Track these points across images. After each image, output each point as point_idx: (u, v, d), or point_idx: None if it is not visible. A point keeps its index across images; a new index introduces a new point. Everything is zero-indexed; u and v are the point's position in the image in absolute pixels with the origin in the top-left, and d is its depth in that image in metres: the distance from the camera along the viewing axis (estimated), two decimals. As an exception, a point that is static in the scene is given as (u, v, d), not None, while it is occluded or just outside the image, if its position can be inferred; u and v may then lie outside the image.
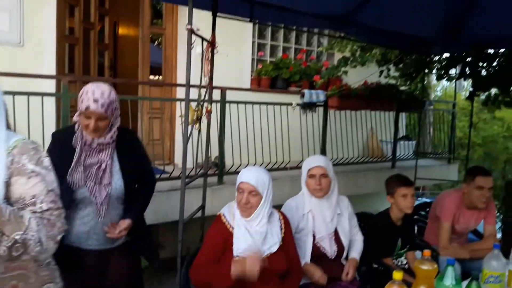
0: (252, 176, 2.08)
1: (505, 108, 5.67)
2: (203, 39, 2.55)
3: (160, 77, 5.51)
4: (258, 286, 2.01)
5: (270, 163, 4.54)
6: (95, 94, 1.87)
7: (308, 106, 4.73)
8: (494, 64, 4.67)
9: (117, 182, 2.01)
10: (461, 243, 3.04)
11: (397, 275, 1.48)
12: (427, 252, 1.86)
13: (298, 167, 4.66)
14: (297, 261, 2.23)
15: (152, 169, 2.33)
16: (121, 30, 7.47)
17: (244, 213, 2.08)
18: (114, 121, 1.98)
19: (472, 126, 18.23)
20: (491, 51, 4.54)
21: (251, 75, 5.85)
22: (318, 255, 2.39)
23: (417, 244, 2.84)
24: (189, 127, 2.44)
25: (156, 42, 7.17)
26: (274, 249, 2.09)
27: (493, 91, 5.13)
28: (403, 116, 6.87)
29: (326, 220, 2.44)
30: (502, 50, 4.52)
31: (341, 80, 5.71)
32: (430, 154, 6.86)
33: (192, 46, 2.30)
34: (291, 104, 4.54)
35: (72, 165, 1.93)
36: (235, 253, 2.03)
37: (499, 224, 5.57)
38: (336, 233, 2.46)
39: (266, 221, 2.09)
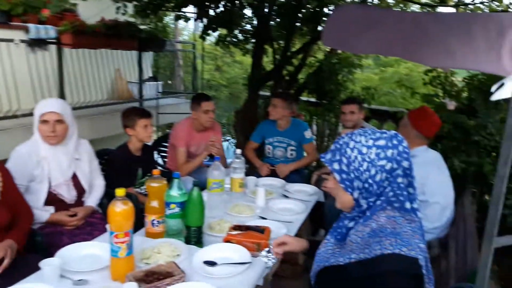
0: None
1: (234, 48, 6.45)
2: None
3: None
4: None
5: (-5, 111, 3.90)
6: None
7: (36, 44, 4.18)
8: (221, 5, 5.14)
9: None
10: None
11: (119, 191, 1.53)
12: (156, 171, 2.01)
13: (31, 114, 4.17)
14: (25, 206, 2.10)
15: None
16: None
17: None
18: None
19: (217, 69, 20.05)
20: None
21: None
22: (55, 201, 2.32)
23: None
24: None
25: None
26: None
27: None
28: (148, 56, 6.95)
29: (63, 167, 2.34)
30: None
31: (76, 15, 5.24)
32: (176, 93, 7.27)
33: None
34: (12, 40, 3.91)
35: None
36: None
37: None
38: (75, 178, 2.40)
39: None
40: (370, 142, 1.21)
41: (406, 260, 1.09)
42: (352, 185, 1.23)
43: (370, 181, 1.20)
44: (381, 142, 1.21)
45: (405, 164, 1.20)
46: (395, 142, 1.21)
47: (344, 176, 1.24)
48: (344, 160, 1.23)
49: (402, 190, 1.21)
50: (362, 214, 1.25)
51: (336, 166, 1.25)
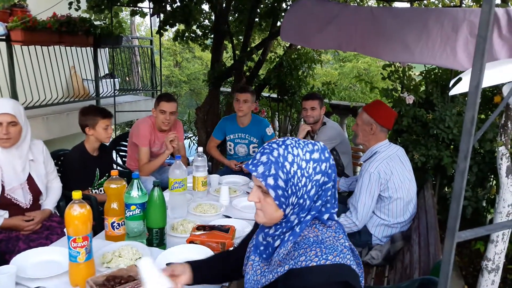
0: None
1: (194, 44, 6.33)
2: None
3: None
4: None
5: None
6: None
7: (-17, 40, 3.95)
8: (178, 0, 5.02)
9: None
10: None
11: (76, 194, 1.46)
12: (114, 172, 1.93)
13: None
14: None
15: None
16: None
17: None
18: None
19: (176, 65, 19.68)
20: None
21: None
22: (9, 205, 2.21)
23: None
24: None
25: None
26: None
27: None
28: (103, 53, 6.71)
29: (17, 171, 2.22)
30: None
31: (26, 11, 4.98)
32: (134, 90, 7.08)
33: None
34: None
35: None
36: None
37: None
38: (30, 181, 2.29)
39: None
40: (308, 156, 1.12)
41: (333, 269, 1.06)
42: (287, 201, 1.12)
43: (305, 196, 1.13)
44: (316, 155, 1.13)
45: (333, 176, 1.17)
46: (326, 155, 1.15)
47: (280, 192, 1.11)
48: (282, 176, 1.10)
49: (328, 202, 1.17)
50: (290, 229, 1.16)
51: (271, 181, 1.10)
